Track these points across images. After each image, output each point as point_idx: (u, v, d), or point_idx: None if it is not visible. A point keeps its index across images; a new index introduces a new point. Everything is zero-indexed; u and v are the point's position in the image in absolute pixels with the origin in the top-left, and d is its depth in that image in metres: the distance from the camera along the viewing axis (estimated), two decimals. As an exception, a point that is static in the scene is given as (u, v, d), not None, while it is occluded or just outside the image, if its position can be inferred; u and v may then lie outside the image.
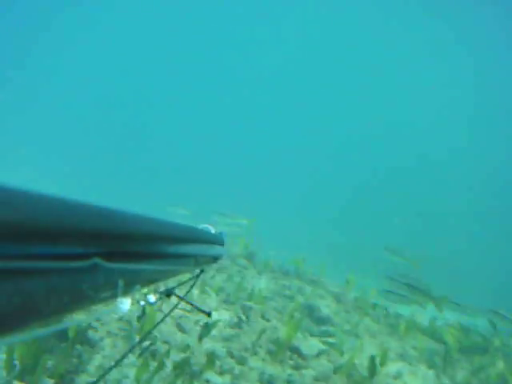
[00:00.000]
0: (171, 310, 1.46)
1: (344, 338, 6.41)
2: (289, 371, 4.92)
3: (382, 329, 7.67)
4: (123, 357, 1.14)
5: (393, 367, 6.04)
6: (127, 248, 0.76)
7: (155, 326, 1.46)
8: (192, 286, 1.63)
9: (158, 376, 4.01)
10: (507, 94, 35.57)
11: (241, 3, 40.40)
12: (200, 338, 4.97)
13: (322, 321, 7.32)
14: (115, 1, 40.04)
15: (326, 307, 7.86)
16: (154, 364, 4.12)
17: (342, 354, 5.81)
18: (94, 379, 3.50)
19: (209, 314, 1.59)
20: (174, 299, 1.36)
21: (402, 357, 6.65)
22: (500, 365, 6.68)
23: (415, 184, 33.06)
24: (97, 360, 4.03)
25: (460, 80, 37.81)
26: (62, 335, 4.06)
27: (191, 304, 1.52)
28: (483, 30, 33.68)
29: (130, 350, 1.22)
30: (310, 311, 7.54)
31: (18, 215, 0.46)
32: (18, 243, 0.47)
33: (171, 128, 39.71)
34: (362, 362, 5.59)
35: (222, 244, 1.73)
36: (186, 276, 1.51)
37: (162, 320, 1.43)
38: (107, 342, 4.37)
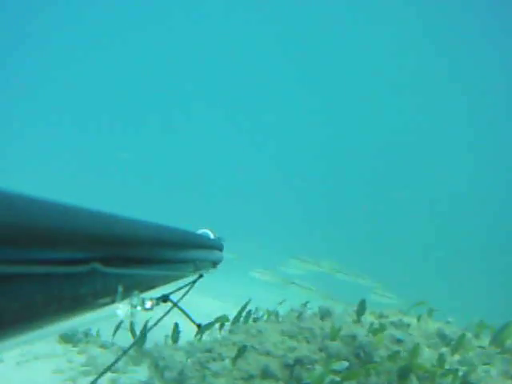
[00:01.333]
0: (165, 314, 1.38)
1: None
2: None
3: None
4: (116, 360, 1.09)
5: None
6: (126, 253, 0.77)
7: (149, 330, 1.39)
8: (186, 292, 1.51)
9: None
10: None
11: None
12: None
13: None
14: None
15: None
16: None
17: None
18: None
19: (199, 326, 1.54)
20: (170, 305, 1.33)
21: None
22: None
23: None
24: None
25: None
26: None
27: (184, 312, 1.41)
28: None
29: (124, 354, 1.15)
30: None
31: (16, 220, 0.46)
32: (16, 248, 0.47)
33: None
34: None
35: (221, 249, 1.75)
36: (185, 281, 1.49)
37: (156, 324, 1.37)
38: None
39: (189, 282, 1.56)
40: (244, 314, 6.12)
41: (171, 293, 1.31)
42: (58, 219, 0.55)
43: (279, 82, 40.31)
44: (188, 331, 5.49)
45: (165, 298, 1.25)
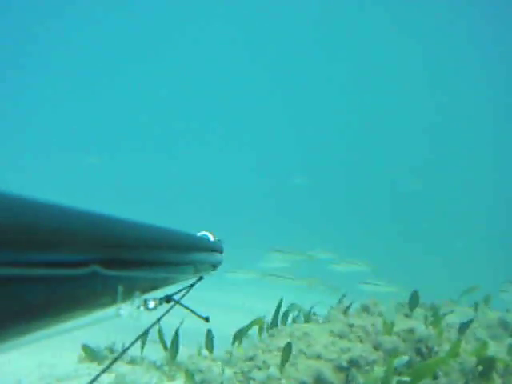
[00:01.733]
0: (165, 313, 1.32)
1: None
2: None
3: None
4: (112, 363, 1.08)
5: None
6: (126, 255, 0.76)
7: (148, 330, 1.30)
8: (186, 293, 1.46)
9: None
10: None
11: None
12: None
13: None
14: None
15: None
16: None
17: None
18: None
19: (206, 319, 1.54)
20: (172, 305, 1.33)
21: None
22: None
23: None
24: None
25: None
26: None
27: (189, 309, 1.43)
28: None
29: (119, 357, 1.16)
30: None
31: (16, 222, 0.46)
32: (16, 250, 0.46)
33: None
34: None
35: (221, 251, 1.74)
36: (186, 282, 1.49)
37: (156, 322, 1.30)
38: None
39: (189, 284, 1.55)
40: (280, 314, 5.60)
41: (174, 293, 1.32)
42: (56, 221, 0.54)
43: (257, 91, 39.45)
44: (220, 337, 4.97)
45: (168, 298, 1.25)
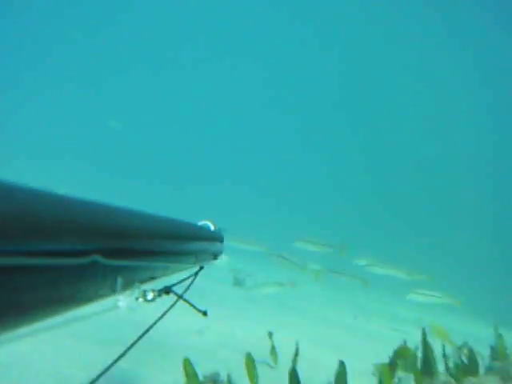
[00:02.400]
0: (169, 308, 1.32)
1: None
2: None
3: None
4: (115, 361, 1.00)
5: None
6: (127, 245, 0.77)
7: (152, 326, 1.20)
8: (190, 285, 1.45)
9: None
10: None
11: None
12: None
13: None
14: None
15: None
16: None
17: None
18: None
19: (204, 313, 1.49)
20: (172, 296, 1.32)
21: None
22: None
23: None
24: None
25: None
26: None
27: (188, 303, 1.38)
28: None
29: (124, 354, 1.03)
30: None
31: (17, 212, 0.46)
32: (17, 240, 0.46)
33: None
34: None
35: (221, 241, 1.74)
36: (187, 272, 1.46)
37: (160, 318, 1.27)
38: None
39: (190, 273, 1.50)
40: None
41: (174, 285, 1.27)
42: (58, 211, 0.54)
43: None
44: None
45: (167, 290, 1.22)
